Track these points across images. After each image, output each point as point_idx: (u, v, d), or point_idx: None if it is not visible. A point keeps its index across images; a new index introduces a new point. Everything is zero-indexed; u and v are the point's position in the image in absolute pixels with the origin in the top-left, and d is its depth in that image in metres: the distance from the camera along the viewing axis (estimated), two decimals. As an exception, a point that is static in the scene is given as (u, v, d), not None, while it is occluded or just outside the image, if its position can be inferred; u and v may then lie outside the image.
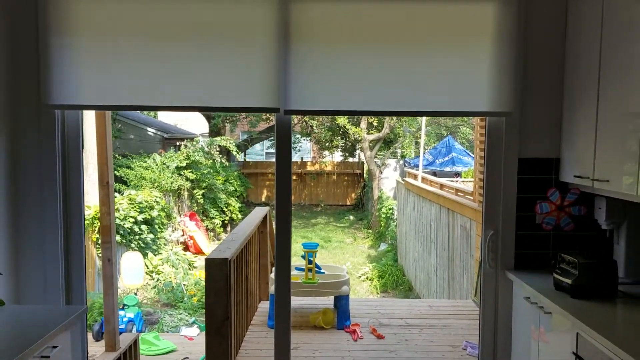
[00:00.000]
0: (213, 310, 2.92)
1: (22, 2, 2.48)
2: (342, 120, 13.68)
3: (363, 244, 12.77)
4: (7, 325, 1.93)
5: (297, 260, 5.24)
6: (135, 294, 6.86)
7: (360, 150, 15.07)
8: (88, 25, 2.49)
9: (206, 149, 12.18)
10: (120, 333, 3.48)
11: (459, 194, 7.40)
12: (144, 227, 8.65)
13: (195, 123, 16.67)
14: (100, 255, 7.38)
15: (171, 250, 9.39)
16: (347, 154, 16.33)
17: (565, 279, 2.26)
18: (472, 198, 6.57)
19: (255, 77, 2.54)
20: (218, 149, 12.47)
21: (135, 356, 3.60)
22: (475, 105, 2.58)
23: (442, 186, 8.57)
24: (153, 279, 8.46)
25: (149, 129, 12.87)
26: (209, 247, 10.47)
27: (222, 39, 2.52)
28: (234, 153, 13.09)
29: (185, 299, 7.62)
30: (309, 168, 16.60)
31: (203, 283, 7.86)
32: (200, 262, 9.59)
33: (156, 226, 9.10)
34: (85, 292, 2.66)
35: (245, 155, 16.62)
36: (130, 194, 8.85)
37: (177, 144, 12.59)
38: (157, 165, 10.55)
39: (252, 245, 4.44)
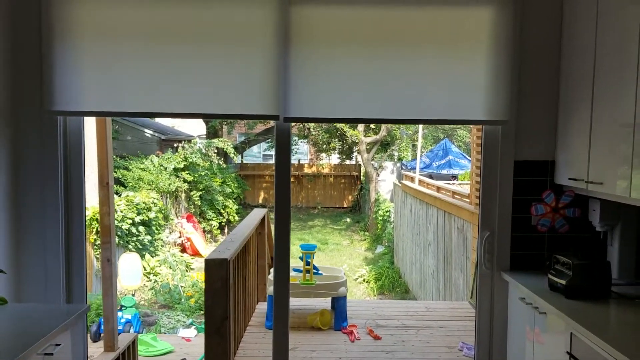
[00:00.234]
0: (212, 310, 2.94)
1: (24, 8, 2.51)
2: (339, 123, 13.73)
3: (360, 246, 12.80)
4: (10, 323, 1.95)
5: (294, 262, 5.27)
6: (133, 295, 6.86)
7: (358, 153, 15.12)
8: (90, 31, 2.52)
9: (204, 150, 12.20)
10: (119, 334, 3.50)
11: (455, 196, 7.44)
12: (141, 228, 8.66)
13: (192, 125, 16.68)
14: (97, 256, 7.40)
15: (168, 251, 9.39)
16: (344, 157, 16.37)
17: (560, 280, 2.30)
18: (468, 200, 6.61)
19: (255, 83, 2.56)
20: (215, 151, 12.49)
21: (134, 357, 3.62)
22: (471, 113, 2.61)
23: (438, 189, 8.62)
24: (150, 281, 8.46)
25: (146, 130, 12.87)
26: (206, 249, 10.47)
27: (222, 44, 2.55)
28: (232, 155, 13.11)
29: (183, 300, 7.63)
30: (306, 170, 16.62)
31: (200, 285, 7.89)
32: (197, 264, 9.59)
33: (153, 228, 9.10)
34: (86, 291, 2.68)
35: (242, 157, 16.64)
36: (127, 196, 8.86)
37: (175, 145, 12.61)
38: (154, 166, 10.56)
39: (251, 247, 4.46)
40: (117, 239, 8.01)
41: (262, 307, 4.81)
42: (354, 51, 2.58)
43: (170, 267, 8.75)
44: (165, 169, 10.72)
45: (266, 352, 3.76)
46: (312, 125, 14.77)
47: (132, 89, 2.55)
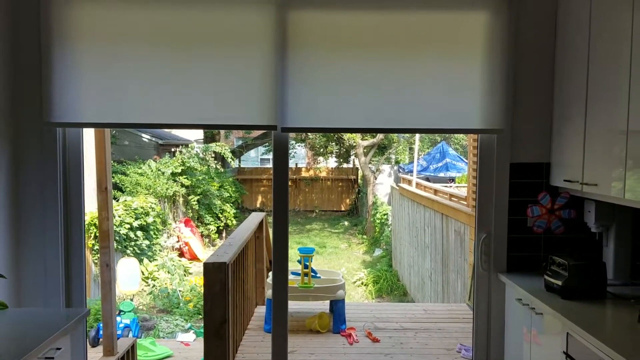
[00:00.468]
0: (211, 314, 2.95)
1: (24, 18, 2.52)
2: (336, 127, 13.73)
3: (358, 249, 12.81)
4: (10, 327, 1.96)
5: (292, 265, 5.28)
6: (131, 300, 6.86)
7: (355, 156, 15.15)
8: (88, 39, 2.53)
9: (201, 155, 12.21)
10: (117, 339, 3.50)
11: (452, 199, 7.48)
12: (139, 233, 8.66)
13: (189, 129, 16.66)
14: (95, 261, 7.39)
15: (167, 256, 9.39)
16: (341, 160, 16.41)
17: (556, 281, 2.32)
18: (465, 203, 6.64)
19: (252, 92, 2.56)
20: (213, 155, 12.50)
21: (132, 361, 3.62)
22: (467, 121, 2.63)
23: (436, 191, 8.65)
24: (149, 285, 8.45)
25: (143, 135, 12.88)
26: (204, 253, 10.47)
27: (219, 52, 2.56)
28: (229, 159, 13.12)
29: (181, 304, 7.63)
30: (304, 174, 16.64)
31: (198, 289, 7.89)
32: (195, 268, 9.59)
33: (151, 232, 9.10)
34: (85, 295, 2.69)
35: (239, 162, 16.65)
36: (125, 200, 8.87)
37: (172, 150, 12.61)
38: (152, 171, 10.57)
39: (249, 250, 4.48)
40: (115, 244, 8.02)
41: (260, 310, 4.81)
42: (351, 57, 2.59)
43: (168, 272, 8.75)
44: (163, 173, 10.73)
45: (265, 355, 3.77)
46: (309, 128, 14.77)
47: (131, 100, 2.55)
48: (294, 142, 16.08)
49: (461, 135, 15.96)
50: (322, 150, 16.03)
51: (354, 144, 14.22)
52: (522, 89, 2.67)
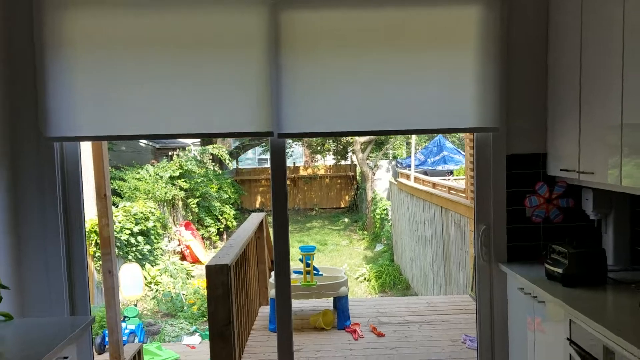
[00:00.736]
0: (216, 315, 2.96)
1: (17, 30, 2.51)
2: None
3: (359, 245, 12.84)
4: (16, 338, 1.97)
5: (294, 264, 5.29)
6: (135, 305, 6.87)
7: (352, 153, 15.17)
8: (82, 54, 2.52)
9: (198, 157, 12.21)
10: (123, 345, 3.51)
11: (451, 192, 7.50)
12: (140, 238, 8.67)
13: (186, 132, 16.63)
14: (98, 268, 7.40)
15: (168, 260, 9.40)
16: (339, 157, 16.42)
17: (557, 269, 2.34)
18: (464, 195, 6.66)
19: (247, 98, 2.55)
20: (210, 158, 12.50)
21: (139, 366, 3.63)
22: (462, 120, 2.62)
23: (434, 185, 8.67)
24: (152, 290, 8.47)
25: (140, 140, 12.87)
26: (205, 255, 10.48)
27: (213, 58, 2.55)
28: (226, 161, 13.12)
29: (185, 308, 7.64)
30: (302, 172, 16.66)
31: (202, 292, 7.91)
32: (197, 271, 9.60)
33: (152, 237, 9.11)
34: (89, 303, 2.70)
35: (237, 163, 16.65)
36: (125, 206, 8.87)
37: (169, 153, 12.61)
38: (150, 176, 10.57)
39: (250, 251, 4.49)
40: (116, 250, 8.03)
41: (265, 310, 4.83)
42: (345, 57, 2.58)
43: (171, 276, 8.76)
44: (161, 177, 10.73)
45: (271, 354, 3.79)
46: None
47: (127, 112, 2.54)
48: (290, 141, 16.08)
49: (457, 127, 15.97)
50: (319, 148, 16.05)
51: (351, 141, 14.23)
52: (515, 83, 2.66)
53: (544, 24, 2.66)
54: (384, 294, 9.74)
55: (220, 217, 12.29)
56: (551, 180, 2.71)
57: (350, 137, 14.07)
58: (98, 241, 5.60)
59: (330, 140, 15.39)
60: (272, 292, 4.42)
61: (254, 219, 4.96)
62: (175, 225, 10.81)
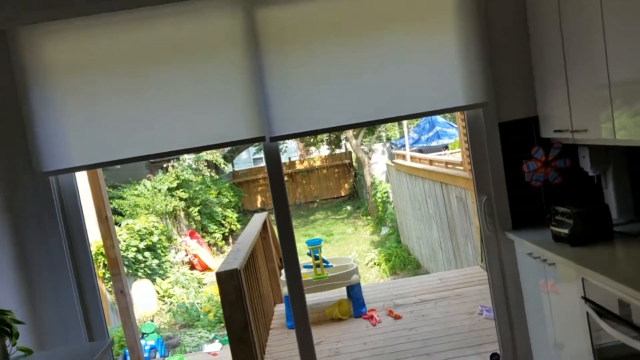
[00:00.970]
0: (232, 320, 2.98)
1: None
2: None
3: (364, 231, 12.88)
4: (38, 371, 1.97)
5: (303, 259, 5.31)
6: (152, 321, 6.90)
7: (346, 140, 15.15)
8: (64, 81, 2.49)
9: (193, 165, 12.19)
10: (145, 360, 3.53)
11: (448, 166, 7.51)
12: (147, 253, 8.68)
13: (178, 142, 16.58)
14: (110, 289, 7.41)
15: (178, 271, 9.42)
16: (333, 147, 16.41)
17: (562, 230, 2.34)
18: (462, 168, 6.67)
19: (235, 106, 2.52)
20: (205, 164, 12.48)
21: (164, 380, 3.65)
22: (451, 100, 2.60)
23: (431, 162, 8.68)
24: (166, 303, 8.49)
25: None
26: (214, 262, 10.51)
27: (195, 69, 2.51)
28: (222, 165, 13.11)
29: (201, 316, 7.68)
30: (298, 166, 16.65)
31: (215, 298, 7.94)
32: (208, 278, 9.63)
33: (159, 251, 9.13)
34: (106, 325, 2.70)
35: (233, 166, 16.63)
36: (127, 224, 8.86)
37: (164, 165, 12.58)
38: (148, 190, 10.55)
39: (258, 252, 4.50)
40: (125, 269, 8.04)
41: (280, 308, 4.85)
42: (326, 48, 2.54)
43: (182, 287, 8.79)
44: (159, 190, 10.72)
45: (293, 352, 3.82)
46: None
47: (116, 135, 2.52)
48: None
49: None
50: (312, 140, 16.01)
51: (343, 128, 14.17)
52: (499, 55, 2.64)
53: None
54: (395, 276, 9.79)
55: (223, 221, 12.31)
56: (546, 143, 2.72)
57: (341, 125, 14.03)
58: (106, 262, 5.61)
59: (322, 131, 15.35)
60: (284, 290, 4.44)
61: (257, 220, 4.96)
62: (180, 236, 10.82)
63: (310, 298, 4.85)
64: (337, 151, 16.58)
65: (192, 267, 10.27)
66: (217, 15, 2.52)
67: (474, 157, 2.79)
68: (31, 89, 2.49)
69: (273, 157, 2.67)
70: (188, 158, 12.65)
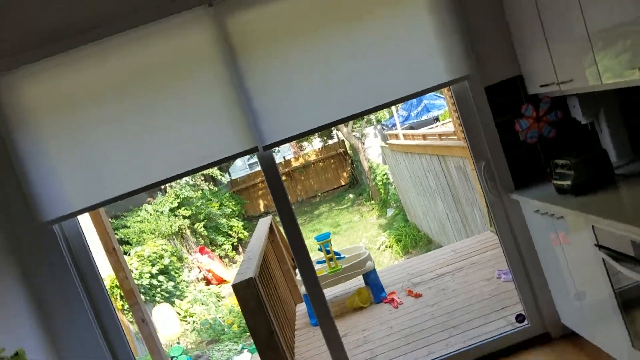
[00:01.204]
0: (256, 328, 2.99)
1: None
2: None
3: (370, 216, 12.90)
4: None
5: (315, 255, 5.32)
6: (178, 343, 6.92)
7: (337, 130, 15.13)
8: (50, 125, 2.47)
9: (191, 182, 12.18)
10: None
11: (442, 138, 7.50)
12: (161, 277, 8.70)
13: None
14: (131, 320, 7.43)
15: (195, 289, 9.44)
16: (325, 138, 16.39)
17: (565, 182, 2.35)
18: (456, 137, 6.67)
19: (223, 120, 2.50)
20: (202, 178, 12.47)
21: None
22: (435, 78, 2.58)
23: (424, 136, 8.68)
24: (189, 323, 8.52)
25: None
26: (228, 273, 10.53)
27: (178, 89, 2.49)
28: (218, 177, 13.10)
29: (226, 329, 7.70)
30: (294, 164, 16.64)
31: (237, 310, 7.96)
32: (226, 290, 9.65)
33: (172, 272, 9.14)
34: (133, 356, 2.71)
35: (230, 175, 16.62)
36: (137, 252, 8.87)
37: (162, 187, 12.57)
38: (150, 215, 10.55)
39: (269, 256, 4.50)
40: (142, 296, 8.05)
41: (301, 308, 4.87)
42: (303, 44, 2.52)
43: (202, 304, 8.81)
44: (162, 213, 10.72)
45: (321, 348, 3.83)
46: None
47: (111, 171, 2.49)
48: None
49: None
50: (303, 135, 15.96)
51: (332, 119, 14.15)
52: (475, 23, 2.62)
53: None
54: (408, 255, 9.82)
55: (230, 232, 12.32)
56: (535, 99, 2.71)
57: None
58: (122, 294, 5.61)
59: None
60: (302, 289, 4.45)
61: (263, 225, 4.96)
62: (190, 254, 10.83)
63: (329, 292, 4.87)
64: (330, 142, 16.57)
65: (208, 283, 10.29)
66: (188, 31, 2.49)
67: (466, 127, 2.79)
68: (17, 137, 2.47)
69: (269, 165, 2.66)
70: (184, 176, 12.64)
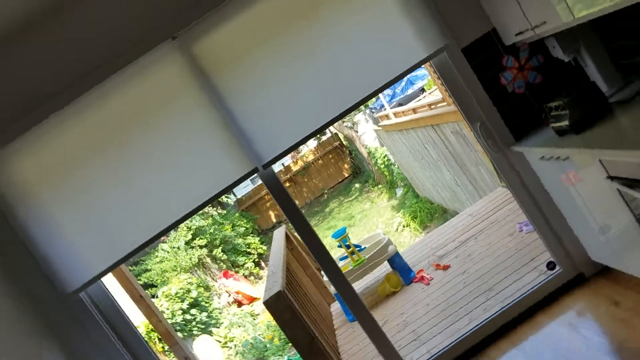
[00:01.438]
0: (297, 338, 3.00)
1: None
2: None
3: (381, 200, 12.89)
4: None
5: (337, 252, 5.32)
6: (225, 369, 6.93)
7: (327, 125, 15.09)
8: (49, 195, 2.46)
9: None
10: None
11: (432, 107, 7.48)
12: (193, 311, 8.72)
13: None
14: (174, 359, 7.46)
15: (229, 314, 9.47)
16: (318, 136, 16.37)
17: (562, 123, 2.34)
18: (445, 104, 6.65)
19: (216, 149, 2.49)
20: (209, 205, 12.50)
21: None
22: (414, 56, 2.56)
23: (414, 110, 8.66)
24: (230, 348, 8.54)
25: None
26: (256, 290, 10.55)
27: (164, 128, 2.48)
28: (224, 199, 13.13)
29: (268, 345, 7.72)
30: (295, 168, 16.64)
31: (274, 324, 7.97)
32: (259, 308, 9.67)
33: (202, 303, 9.17)
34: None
35: (234, 194, 16.64)
36: (164, 292, 8.90)
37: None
38: (168, 253, 10.59)
39: (292, 265, 4.51)
40: (180, 334, 8.09)
41: (335, 306, 4.87)
42: (276, 52, 2.50)
43: (239, 326, 8.84)
44: (179, 248, 10.75)
45: (364, 341, 3.83)
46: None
47: (122, 225, 2.48)
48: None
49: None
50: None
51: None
52: None
53: None
54: (427, 229, 9.81)
55: (248, 250, 12.35)
56: (513, 49, 2.70)
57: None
58: (159, 337, 5.63)
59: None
60: (332, 288, 4.46)
61: (279, 236, 4.96)
62: (216, 281, 10.86)
63: (359, 285, 4.87)
64: (324, 138, 16.55)
65: (240, 304, 10.31)
66: (161, 67, 2.49)
67: (453, 93, 2.78)
68: (21, 213, 2.45)
69: (272, 182, 2.65)
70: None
